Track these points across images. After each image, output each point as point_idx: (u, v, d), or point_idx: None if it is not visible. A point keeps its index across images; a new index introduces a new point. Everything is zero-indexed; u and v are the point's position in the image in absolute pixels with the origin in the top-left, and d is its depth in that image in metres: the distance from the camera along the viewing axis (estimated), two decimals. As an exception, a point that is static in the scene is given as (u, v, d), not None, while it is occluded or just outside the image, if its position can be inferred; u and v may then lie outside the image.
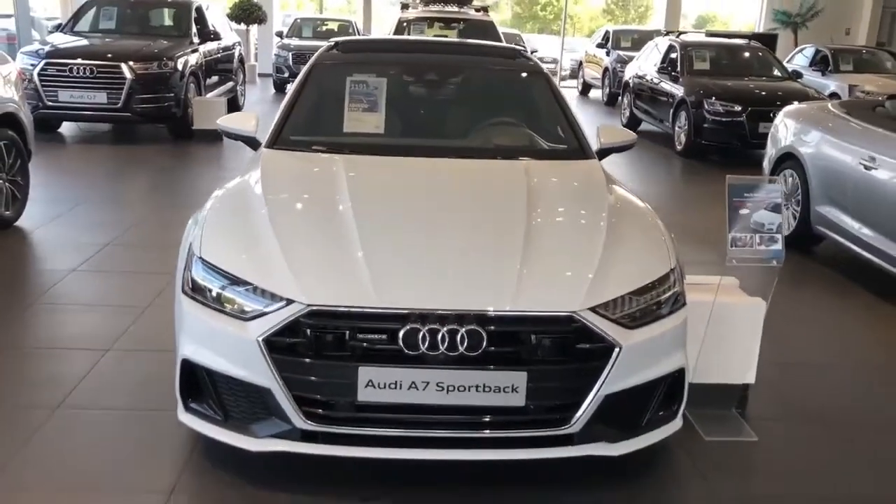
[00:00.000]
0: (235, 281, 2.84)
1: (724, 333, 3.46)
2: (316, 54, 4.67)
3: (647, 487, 3.05)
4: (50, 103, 9.43)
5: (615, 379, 2.78)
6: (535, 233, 3.10)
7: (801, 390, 3.96)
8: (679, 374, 3.03)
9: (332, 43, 4.82)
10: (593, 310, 2.77)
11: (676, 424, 3.08)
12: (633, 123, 12.54)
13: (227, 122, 4.25)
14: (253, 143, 4.16)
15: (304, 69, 4.51)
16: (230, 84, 12.60)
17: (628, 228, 3.29)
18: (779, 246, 3.22)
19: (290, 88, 4.41)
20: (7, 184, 5.95)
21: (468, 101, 4.67)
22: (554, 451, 2.84)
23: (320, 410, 2.74)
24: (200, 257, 2.95)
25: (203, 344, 2.86)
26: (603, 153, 4.22)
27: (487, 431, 2.79)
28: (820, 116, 6.32)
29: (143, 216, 6.62)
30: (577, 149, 4.10)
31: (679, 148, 10.82)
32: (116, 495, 2.85)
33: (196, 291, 2.92)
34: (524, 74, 4.67)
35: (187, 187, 8.04)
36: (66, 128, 10.48)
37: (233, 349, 2.77)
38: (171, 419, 3.08)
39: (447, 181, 3.70)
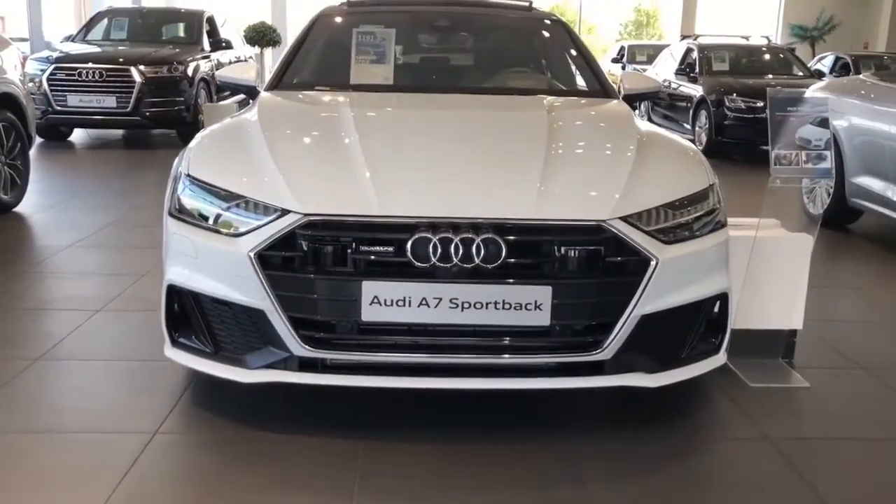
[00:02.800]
0: (225, 195, 2.56)
1: (767, 273, 3.13)
2: (322, 8, 4.44)
3: (685, 426, 2.71)
4: (59, 108, 9.23)
5: (651, 297, 2.47)
6: (558, 151, 2.81)
7: (849, 343, 3.60)
8: (722, 301, 2.71)
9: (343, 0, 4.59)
10: (625, 220, 2.47)
11: (720, 359, 2.75)
12: (651, 129, 12.28)
13: (227, 72, 4.04)
14: (253, 93, 3.93)
15: (309, 21, 4.28)
16: (242, 95, 12.42)
17: (662, 150, 3.01)
18: (827, 164, 2.91)
19: (292, 39, 4.18)
20: (6, 167, 5.74)
21: (484, 51, 4.39)
22: (583, 381, 2.52)
23: (320, 334, 2.44)
24: (188, 174, 2.69)
25: (190, 266, 2.58)
26: (627, 101, 3.93)
27: (508, 356, 2.47)
28: (853, 86, 6.02)
29: (146, 203, 6.38)
30: (599, 91, 3.83)
31: (700, 148, 10.50)
32: (93, 436, 2.55)
33: (182, 212, 2.65)
34: (541, 23, 4.41)
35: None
36: (77, 135, 10.30)
37: (222, 268, 2.49)
38: (159, 367, 2.81)
39: (463, 113, 3.42)
